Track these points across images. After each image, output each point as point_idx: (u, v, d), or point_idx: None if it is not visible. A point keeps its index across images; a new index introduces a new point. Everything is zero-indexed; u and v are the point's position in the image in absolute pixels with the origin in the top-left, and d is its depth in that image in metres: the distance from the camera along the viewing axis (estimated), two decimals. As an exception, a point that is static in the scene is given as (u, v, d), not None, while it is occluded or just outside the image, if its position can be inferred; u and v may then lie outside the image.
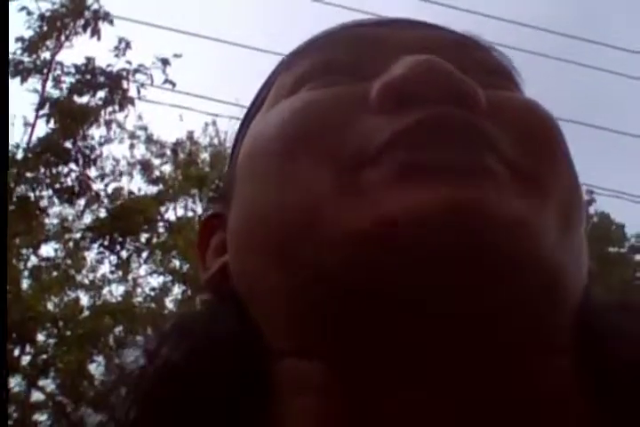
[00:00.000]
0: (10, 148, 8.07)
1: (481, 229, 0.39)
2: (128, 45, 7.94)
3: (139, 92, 7.68)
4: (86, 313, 9.54)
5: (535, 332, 0.43)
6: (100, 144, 8.10)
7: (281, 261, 0.45)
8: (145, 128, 12.09)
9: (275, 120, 0.48)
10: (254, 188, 0.48)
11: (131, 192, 9.19)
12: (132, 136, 11.93)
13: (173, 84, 7.82)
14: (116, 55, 7.82)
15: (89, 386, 8.49)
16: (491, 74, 0.50)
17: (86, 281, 10.81)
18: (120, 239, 7.99)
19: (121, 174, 10.15)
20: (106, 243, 8.01)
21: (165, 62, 7.71)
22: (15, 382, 9.05)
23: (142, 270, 9.65)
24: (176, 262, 9.64)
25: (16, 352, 8.67)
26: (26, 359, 9.28)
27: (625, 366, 0.45)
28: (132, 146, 11.91)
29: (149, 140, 12.20)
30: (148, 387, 0.48)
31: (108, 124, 7.92)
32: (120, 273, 9.96)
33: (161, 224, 8.72)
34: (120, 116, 8.21)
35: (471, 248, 0.40)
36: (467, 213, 0.39)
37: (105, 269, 10.19)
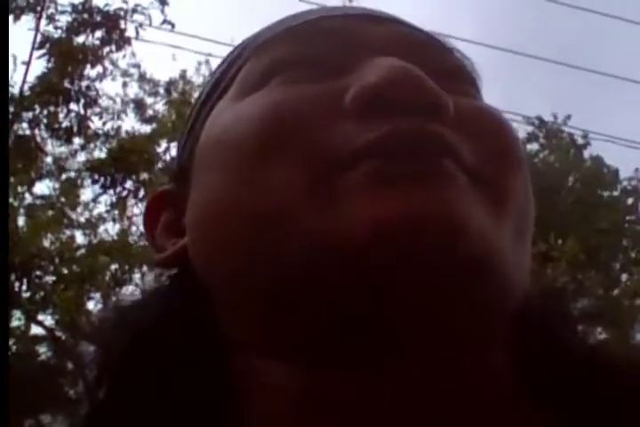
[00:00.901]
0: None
1: (443, 233, 0.41)
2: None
3: (137, 32, 7.57)
4: (82, 251, 9.59)
5: (483, 331, 0.45)
6: (93, 80, 8.00)
7: (247, 259, 0.46)
8: (138, 66, 11.94)
9: (248, 115, 0.48)
10: (223, 179, 0.48)
11: (128, 132, 9.14)
12: (125, 74, 11.78)
13: (172, 25, 7.70)
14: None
15: (87, 322, 8.61)
16: (454, 79, 0.52)
17: (82, 220, 10.83)
18: (120, 179, 7.97)
19: (119, 114, 10.05)
20: (107, 183, 8.00)
21: (163, 2, 7.57)
22: (15, 317, 9.17)
23: (137, 209, 9.65)
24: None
25: (16, 286, 8.76)
26: (25, 296, 9.36)
27: (556, 364, 0.49)
28: (124, 84, 11.78)
29: (142, 78, 12.04)
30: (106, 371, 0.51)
31: (100, 60, 7.81)
32: (116, 212, 9.97)
33: (159, 164, 8.69)
34: (117, 56, 8.11)
35: (430, 251, 0.42)
36: (428, 218, 0.41)
37: (101, 208, 10.20)
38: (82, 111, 7.71)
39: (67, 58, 7.33)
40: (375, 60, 0.47)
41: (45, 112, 7.75)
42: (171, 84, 11.78)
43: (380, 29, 0.53)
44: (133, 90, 12.32)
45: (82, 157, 9.91)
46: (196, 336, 0.49)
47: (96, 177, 8.17)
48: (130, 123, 12.57)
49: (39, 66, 8.11)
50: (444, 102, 0.45)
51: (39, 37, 7.56)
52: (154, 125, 10.90)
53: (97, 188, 8.70)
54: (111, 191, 8.39)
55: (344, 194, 0.43)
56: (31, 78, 7.79)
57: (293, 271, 0.43)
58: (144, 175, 8.32)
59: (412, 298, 0.42)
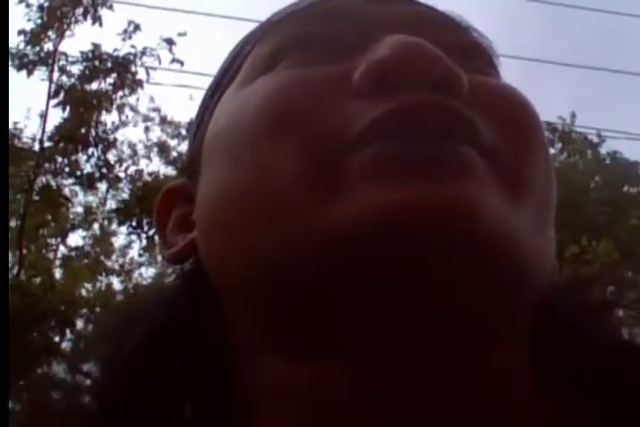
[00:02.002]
0: (26, 140, 8.20)
1: (457, 228, 0.39)
2: (137, 28, 8.00)
3: (147, 73, 7.77)
4: (120, 297, 9.71)
5: (499, 323, 0.43)
6: (115, 129, 8.19)
7: (253, 248, 0.43)
8: (158, 110, 12.19)
9: (252, 100, 0.46)
10: (229, 167, 0.46)
11: (151, 173, 9.30)
12: (146, 119, 12.04)
13: (181, 63, 7.90)
14: (123, 39, 7.89)
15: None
16: (470, 57, 0.49)
17: (116, 266, 10.99)
18: (147, 220, 8.10)
19: (138, 158, 10.26)
20: (134, 224, 8.13)
21: (170, 42, 7.78)
22: (59, 369, 9.23)
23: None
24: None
25: (57, 339, 8.86)
26: (66, 346, 9.45)
27: (579, 363, 0.46)
28: (146, 129, 12.02)
29: (163, 121, 12.29)
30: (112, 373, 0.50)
31: (120, 108, 8.00)
32: (148, 255, 10.10)
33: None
34: (131, 100, 8.31)
35: (447, 247, 0.39)
36: (442, 212, 0.39)
37: (134, 252, 10.34)
38: (102, 156, 7.89)
39: (80, 105, 7.53)
40: (385, 38, 0.45)
41: (66, 161, 7.94)
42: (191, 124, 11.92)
43: (391, 9, 0.50)
44: (156, 133, 12.51)
45: (112, 204, 10.11)
46: (204, 337, 0.48)
47: (122, 220, 8.32)
48: (154, 167, 12.71)
49: (56, 116, 8.33)
50: (458, 76, 0.43)
51: (53, 87, 7.78)
52: (178, 166, 11.08)
53: (127, 232, 8.85)
54: (141, 234, 8.52)
55: (351, 179, 0.41)
56: (49, 128, 8.00)
57: (302, 262, 0.41)
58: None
59: (425, 290, 0.40)
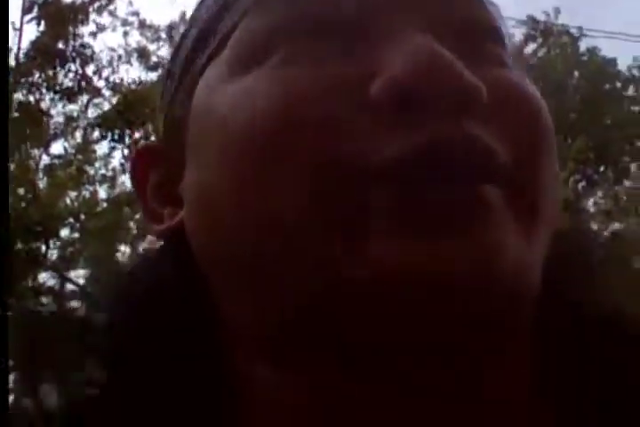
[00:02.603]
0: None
1: (482, 288, 0.38)
2: None
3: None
4: (104, 205, 9.84)
5: (502, 341, 0.42)
6: (94, 33, 8.08)
7: (250, 270, 0.42)
8: (137, 13, 11.91)
9: (256, 103, 0.42)
10: (227, 173, 0.42)
11: (131, 83, 9.20)
12: (125, 23, 11.60)
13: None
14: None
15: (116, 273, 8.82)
16: (483, 38, 0.46)
17: (99, 175, 11.04)
18: (128, 131, 8.12)
19: (118, 65, 10.12)
20: (116, 137, 8.16)
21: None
22: (46, 277, 9.43)
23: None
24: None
25: (43, 249, 9.01)
26: (52, 254, 9.62)
27: (576, 363, 0.46)
28: (125, 33, 11.63)
29: (142, 25, 11.87)
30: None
31: (98, 10, 7.84)
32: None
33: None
34: (115, 6, 8.06)
35: (473, 304, 0.38)
36: (467, 270, 0.38)
37: (116, 161, 10.42)
38: (80, 70, 7.85)
39: (56, 19, 7.41)
40: (402, 35, 0.42)
41: (44, 76, 7.90)
42: (172, 28, 11.69)
43: None
44: (135, 38, 12.29)
45: (93, 113, 10.03)
46: (194, 329, 0.46)
47: (104, 132, 8.36)
48: (136, 72, 12.57)
49: (32, 31, 8.19)
50: (477, 92, 0.40)
51: (27, 3, 7.65)
52: (159, 72, 10.94)
53: (111, 143, 8.91)
54: (124, 144, 8.57)
55: (364, 227, 0.39)
56: (25, 45, 7.91)
57: (302, 296, 0.40)
58: (150, 125, 8.47)
59: (431, 333, 0.39)
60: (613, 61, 13.00)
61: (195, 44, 0.49)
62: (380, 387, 0.41)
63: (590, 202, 11.57)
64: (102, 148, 10.83)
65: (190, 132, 0.47)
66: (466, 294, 0.38)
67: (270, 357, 0.43)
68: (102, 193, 10.81)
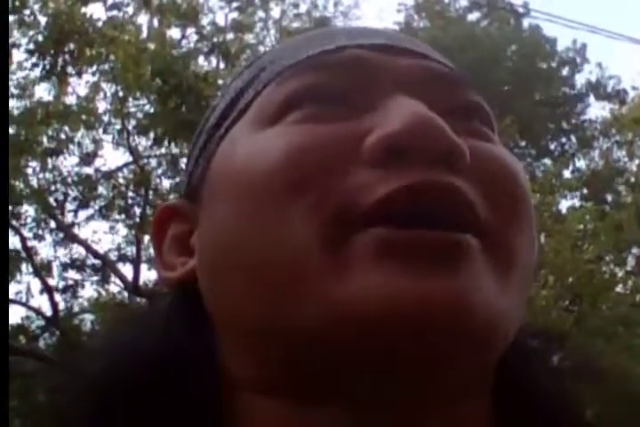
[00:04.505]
0: None
1: (452, 319, 0.42)
2: None
3: None
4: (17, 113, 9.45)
5: (467, 384, 0.46)
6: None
7: (256, 307, 0.46)
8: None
9: (268, 155, 0.48)
10: (238, 220, 0.48)
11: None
12: None
13: None
14: None
15: (25, 187, 8.65)
16: (472, 117, 0.52)
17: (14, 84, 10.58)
18: (63, 57, 7.82)
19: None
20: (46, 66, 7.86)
21: None
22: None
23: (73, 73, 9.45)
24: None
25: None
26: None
27: (538, 414, 0.51)
28: None
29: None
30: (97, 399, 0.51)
31: None
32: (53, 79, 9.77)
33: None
34: None
35: (434, 333, 0.42)
36: (440, 308, 0.42)
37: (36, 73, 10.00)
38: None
39: None
40: (398, 101, 0.48)
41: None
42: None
43: (404, 63, 0.52)
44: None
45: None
46: (196, 369, 0.50)
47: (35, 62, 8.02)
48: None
49: None
50: (462, 152, 0.45)
51: None
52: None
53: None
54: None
55: (355, 262, 0.43)
56: None
57: (302, 330, 0.44)
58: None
59: (410, 368, 0.44)
60: (553, 41, 13.11)
61: (222, 112, 0.56)
62: (369, 415, 0.45)
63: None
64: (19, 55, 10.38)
65: (207, 182, 0.53)
66: (434, 332, 0.42)
67: (269, 393, 0.47)
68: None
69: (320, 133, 0.48)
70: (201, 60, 9.82)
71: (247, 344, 0.48)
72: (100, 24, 8.68)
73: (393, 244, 0.43)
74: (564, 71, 13.22)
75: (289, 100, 0.50)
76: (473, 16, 13.33)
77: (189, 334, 0.51)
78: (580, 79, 13.36)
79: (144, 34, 9.43)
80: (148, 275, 9.75)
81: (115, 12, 9.35)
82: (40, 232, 9.61)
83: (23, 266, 9.46)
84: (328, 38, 0.55)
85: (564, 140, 12.49)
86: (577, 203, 10.09)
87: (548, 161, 11.86)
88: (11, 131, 8.63)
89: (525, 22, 13.14)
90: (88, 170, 9.64)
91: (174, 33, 10.10)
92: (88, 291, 10.09)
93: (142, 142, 9.44)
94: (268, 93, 0.52)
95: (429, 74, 0.52)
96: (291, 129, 0.49)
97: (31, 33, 8.71)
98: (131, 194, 9.58)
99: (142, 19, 9.90)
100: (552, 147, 12.46)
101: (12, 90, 9.21)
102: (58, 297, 9.61)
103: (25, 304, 9.68)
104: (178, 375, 0.49)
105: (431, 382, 0.44)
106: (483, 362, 0.46)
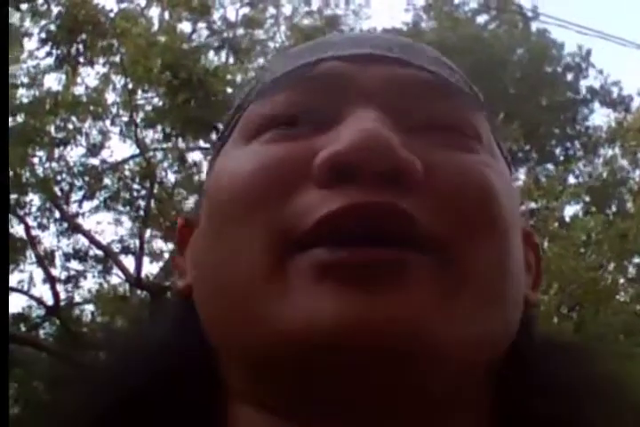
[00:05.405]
0: None
1: (390, 346, 0.42)
2: None
3: None
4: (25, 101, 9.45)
5: (441, 399, 0.46)
6: None
7: (223, 326, 0.48)
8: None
9: (231, 177, 0.49)
10: (211, 238, 0.50)
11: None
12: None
13: None
14: None
15: (31, 176, 8.65)
16: (453, 128, 0.50)
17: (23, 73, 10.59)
18: (76, 47, 7.82)
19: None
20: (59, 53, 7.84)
21: None
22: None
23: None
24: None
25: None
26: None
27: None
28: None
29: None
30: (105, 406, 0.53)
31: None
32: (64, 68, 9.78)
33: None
34: None
35: (360, 356, 0.42)
36: (378, 330, 0.42)
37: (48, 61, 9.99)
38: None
39: None
40: (355, 116, 0.47)
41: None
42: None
43: (379, 73, 0.51)
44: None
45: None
46: (198, 377, 0.52)
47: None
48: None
49: None
50: (410, 170, 0.45)
51: None
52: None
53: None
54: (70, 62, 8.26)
55: (294, 284, 0.44)
56: None
57: (255, 350, 0.46)
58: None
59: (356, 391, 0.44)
60: (560, 46, 13.12)
61: (222, 132, 0.57)
62: None
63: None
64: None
65: (203, 202, 0.53)
66: (347, 350, 0.42)
67: (257, 403, 0.48)
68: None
69: (278, 153, 0.48)
70: (211, 54, 9.88)
71: (227, 356, 0.49)
72: (112, 15, 8.69)
73: (327, 264, 0.44)
74: (569, 76, 13.26)
75: (264, 122, 0.51)
76: (482, 18, 13.37)
77: (194, 342, 0.52)
78: (584, 84, 13.42)
79: (155, 27, 9.48)
80: (150, 268, 9.78)
81: (126, 4, 9.37)
82: (44, 222, 9.60)
83: (27, 254, 9.48)
84: (314, 50, 0.54)
85: (568, 145, 12.52)
86: (580, 211, 10.09)
87: (550, 166, 11.90)
88: (19, 120, 8.64)
89: (533, 26, 13.18)
90: (94, 161, 9.59)
91: (185, 27, 10.16)
92: (90, 282, 10.11)
93: (149, 135, 9.46)
94: (247, 115, 0.54)
95: (406, 84, 0.51)
96: (259, 148, 0.50)
97: (43, 22, 8.72)
98: (136, 186, 9.58)
99: (154, 11, 9.97)
100: (557, 152, 12.49)
101: (22, 79, 9.24)
102: (59, 287, 9.62)
103: (27, 293, 9.69)
104: (180, 382, 0.51)
105: (386, 399, 0.44)
106: (442, 378, 0.44)
